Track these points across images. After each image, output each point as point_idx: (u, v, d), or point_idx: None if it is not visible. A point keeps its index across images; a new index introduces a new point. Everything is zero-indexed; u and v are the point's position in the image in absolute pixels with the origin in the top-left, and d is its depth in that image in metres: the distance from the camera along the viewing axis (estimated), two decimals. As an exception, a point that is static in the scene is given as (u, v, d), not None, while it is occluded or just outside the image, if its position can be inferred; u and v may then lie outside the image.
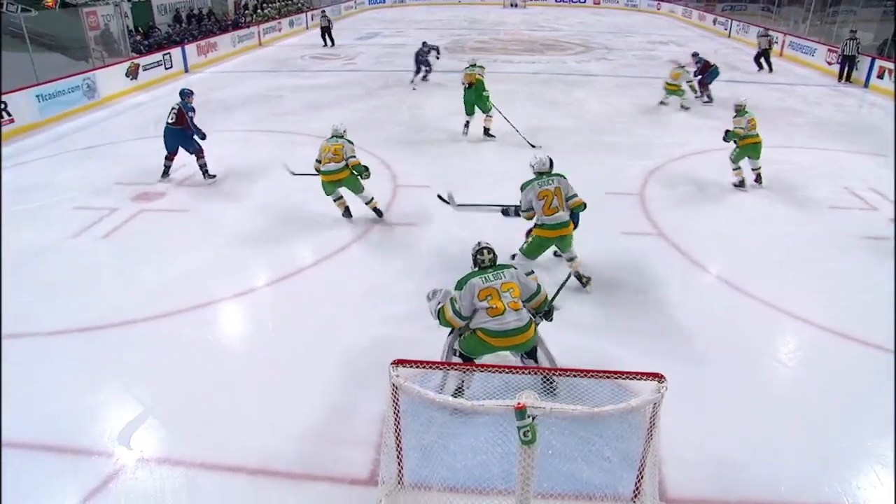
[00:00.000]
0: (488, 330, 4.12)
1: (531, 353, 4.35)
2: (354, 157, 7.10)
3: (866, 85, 15.70)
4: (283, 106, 13.57)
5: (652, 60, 19.37)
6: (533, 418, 2.75)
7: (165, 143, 8.77)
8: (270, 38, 23.05)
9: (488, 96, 10.70)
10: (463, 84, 10.81)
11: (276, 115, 12.83)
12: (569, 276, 5.02)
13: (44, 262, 6.61)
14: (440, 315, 4.28)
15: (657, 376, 3.14)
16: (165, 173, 8.90)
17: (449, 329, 4.37)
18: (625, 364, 4.39)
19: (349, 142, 7.16)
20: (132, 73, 14.96)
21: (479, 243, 4.48)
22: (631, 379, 3.25)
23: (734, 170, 8.66)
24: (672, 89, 12.97)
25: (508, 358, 4.54)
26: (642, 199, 8.32)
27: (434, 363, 3.35)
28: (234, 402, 4.59)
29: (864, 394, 4.75)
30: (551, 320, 4.54)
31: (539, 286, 4.44)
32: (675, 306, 5.82)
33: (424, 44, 15.46)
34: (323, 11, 22.72)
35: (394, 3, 37.71)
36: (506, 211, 6.21)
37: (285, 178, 9.03)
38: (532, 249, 5.77)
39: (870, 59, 15.74)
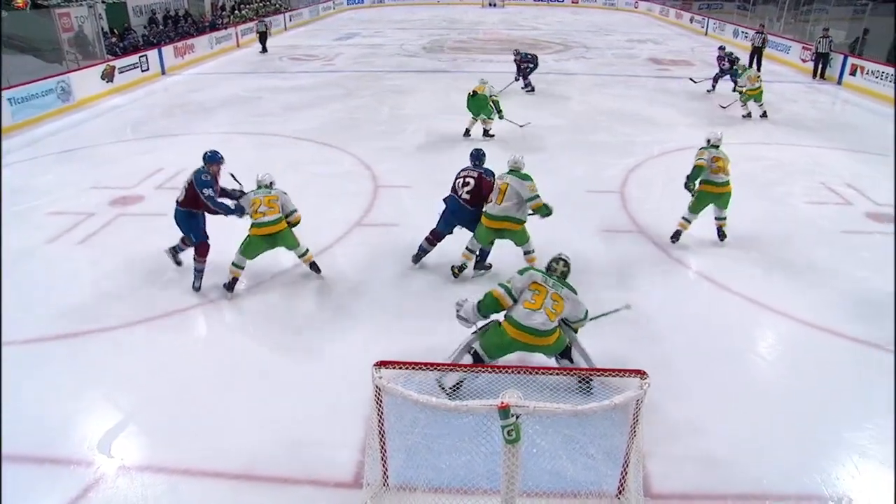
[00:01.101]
0: (513, 319, 4.32)
1: (564, 354, 4.52)
2: (296, 210, 6.14)
3: (839, 82, 15.95)
4: (261, 107, 13.47)
5: (630, 59, 19.52)
6: (517, 417, 2.75)
7: (176, 222, 6.21)
8: (248, 40, 22.88)
9: (492, 108, 10.80)
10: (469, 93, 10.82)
11: (255, 116, 12.74)
12: (616, 310, 4.87)
13: (20, 269, 6.49)
14: (486, 298, 4.43)
15: (640, 373, 3.16)
16: (174, 255, 6.48)
17: (471, 329, 4.51)
18: (607, 362, 4.41)
19: (283, 192, 6.10)
20: (108, 76, 14.76)
21: (559, 253, 4.70)
22: (613, 376, 3.27)
23: (682, 219, 6.91)
24: (751, 94, 12.31)
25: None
26: (623, 196, 8.38)
27: (417, 364, 3.34)
28: (217, 407, 4.54)
29: (843, 386, 4.82)
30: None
31: (586, 313, 4.57)
32: (657, 303, 5.87)
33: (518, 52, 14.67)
34: (262, 18, 22.00)
35: (372, 4, 37.62)
36: None
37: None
38: (480, 237, 6.04)
39: (842, 56, 16.00)
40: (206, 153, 6.19)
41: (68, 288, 6.15)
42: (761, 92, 12.17)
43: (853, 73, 15.54)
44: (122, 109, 13.63)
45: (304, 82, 16.02)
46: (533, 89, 14.46)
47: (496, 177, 6.09)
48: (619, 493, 3.69)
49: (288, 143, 10.70)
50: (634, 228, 7.44)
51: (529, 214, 5.99)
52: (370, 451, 3.50)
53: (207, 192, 5.86)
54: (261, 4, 27.19)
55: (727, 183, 6.65)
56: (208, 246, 6.11)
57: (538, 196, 5.88)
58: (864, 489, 3.93)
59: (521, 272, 4.51)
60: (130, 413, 4.50)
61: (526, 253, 6.11)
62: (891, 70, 14.26)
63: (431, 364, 3.53)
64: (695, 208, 6.74)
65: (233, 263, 5.88)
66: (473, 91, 10.65)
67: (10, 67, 12.47)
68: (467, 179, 6.12)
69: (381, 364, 3.19)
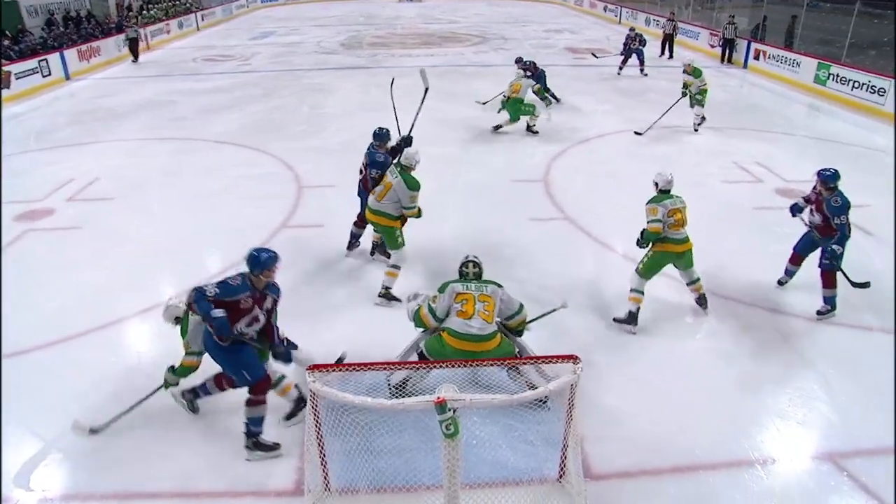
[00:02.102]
0: (451, 330, 4.24)
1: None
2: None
3: (745, 66, 16.78)
4: (176, 111, 12.97)
5: (548, 49, 19.88)
6: (454, 411, 2.76)
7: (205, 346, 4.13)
8: (158, 41, 21.97)
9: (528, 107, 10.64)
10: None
11: (170, 120, 12.25)
12: (553, 310, 4.76)
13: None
14: (416, 314, 4.40)
15: (572, 358, 3.22)
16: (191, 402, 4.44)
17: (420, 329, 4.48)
18: (541, 350, 4.48)
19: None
20: (4, 82, 13.84)
21: (466, 256, 4.60)
22: (547, 363, 3.32)
23: (633, 293, 5.40)
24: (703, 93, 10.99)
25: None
26: (546, 184, 8.52)
27: (350, 365, 3.29)
28: (147, 426, 4.33)
29: (763, 355, 5.08)
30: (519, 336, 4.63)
31: (521, 307, 4.47)
32: (585, 287, 6.01)
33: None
34: (132, 25, 19.59)
35: (286, 1, 36.77)
36: None
37: (183, 186, 8.68)
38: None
39: (746, 41, 16.83)
40: (252, 255, 3.97)
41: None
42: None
43: (756, 58, 16.38)
44: (23, 118, 12.82)
45: (221, 83, 15.52)
46: (558, 100, 12.93)
47: (388, 171, 5.80)
48: (561, 476, 3.77)
49: (207, 147, 10.35)
50: (560, 215, 7.60)
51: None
52: (309, 457, 3.44)
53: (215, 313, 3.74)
54: (170, 4, 26.13)
55: (687, 238, 5.34)
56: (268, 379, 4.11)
57: (415, 206, 5.67)
58: (786, 449, 4.17)
59: (441, 289, 4.37)
60: (52, 440, 4.24)
61: (391, 267, 5.81)
62: (788, 54, 15.15)
63: (364, 364, 3.50)
64: (647, 273, 5.35)
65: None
66: (507, 96, 10.47)
67: None
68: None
69: (315, 368, 3.13)
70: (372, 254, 6.56)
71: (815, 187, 5.51)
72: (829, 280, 5.48)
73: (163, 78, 16.58)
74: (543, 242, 6.91)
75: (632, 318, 5.31)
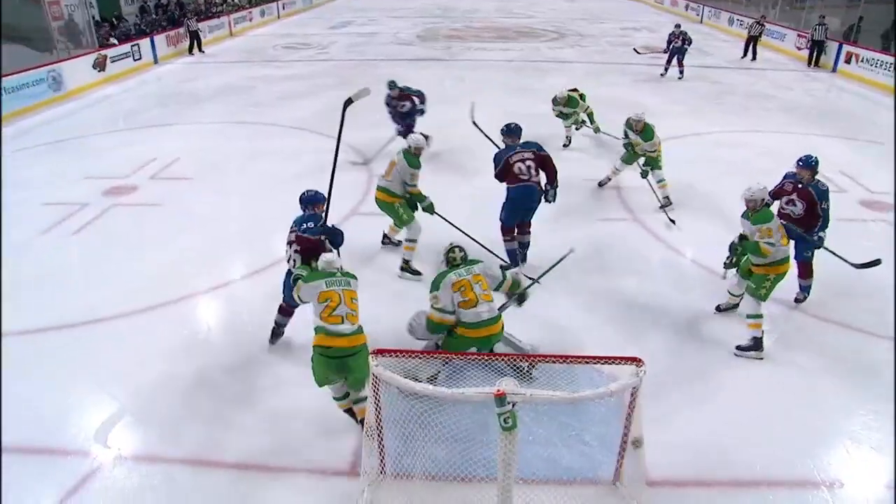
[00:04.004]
0: (467, 323, 4.30)
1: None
2: None
3: (834, 69, 15.95)
4: (255, 97, 13.40)
5: (624, 47, 19.45)
6: (513, 405, 2.77)
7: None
8: (241, 28, 22.71)
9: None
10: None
11: (249, 106, 12.67)
12: (562, 258, 5.17)
13: (13, 261, 6.46)
14: (429, 324, 4.40)
15: (635, 360, 3.17)
16: (274, 335, 5.16)
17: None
18: (603, 350, 4.43)
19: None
20: (100, 65, 14.65)
21: (450, 244, 4.63)
22: (609, 364, 3.28)
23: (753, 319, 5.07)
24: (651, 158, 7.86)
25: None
26: (618, 184, 8.37)
27: (414, 352, 3.36)
28: (213, 398, 4.55)
29: (836, 373, 4.86)
30: (521, 306, 4.80)
31: (503, 273, 4.65)
32: (654, 291, 5.90)
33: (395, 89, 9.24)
34: (192, 17, 19.01)
35: (366, -8, 37.28)
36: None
37: (259, 169, 8.98)
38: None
39: (837, 44, 15.99)
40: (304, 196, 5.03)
41: (63, 279, 6.14)
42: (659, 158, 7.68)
43: (847, 61, 15.53)
44: (114, 99, 13.53)
45: (298, 71, 15.92)
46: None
47: (396, 152, 6.14)
48: (615, 479, 3.72)
49: (283, 133, 10.66)
50: (629, 216, 7.46)
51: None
52: (367, 440, 3.52)
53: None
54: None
55: (787, 259, 5.01)
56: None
57: (415, 185, 5.96)
58: (855, 474, 3.98)
59: (434, 286, 4.39)
60: (127, 404, 4.51)
61: (407, 241, 6.13)
62: (885, 58, 14.27)
63: (429, 352, 3.55)
64: (767, 297, 5.06)
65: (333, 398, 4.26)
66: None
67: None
68: (526, 161, 5.96)
69: (378, 352, 3.20)
70: (383, 242, 6.75)
71: (787, 178, 5.50)
72: (808, 271, 5.62)
73: (243, 64, 17.15)
74: (611, 243, 6.80)
75: (758, 344, 5.00)
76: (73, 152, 9.95)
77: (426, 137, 6.96)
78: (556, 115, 9.67)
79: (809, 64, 16.54)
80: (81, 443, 4.16)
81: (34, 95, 12.43)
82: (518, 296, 4.78)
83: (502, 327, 4.50)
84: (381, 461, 3.67)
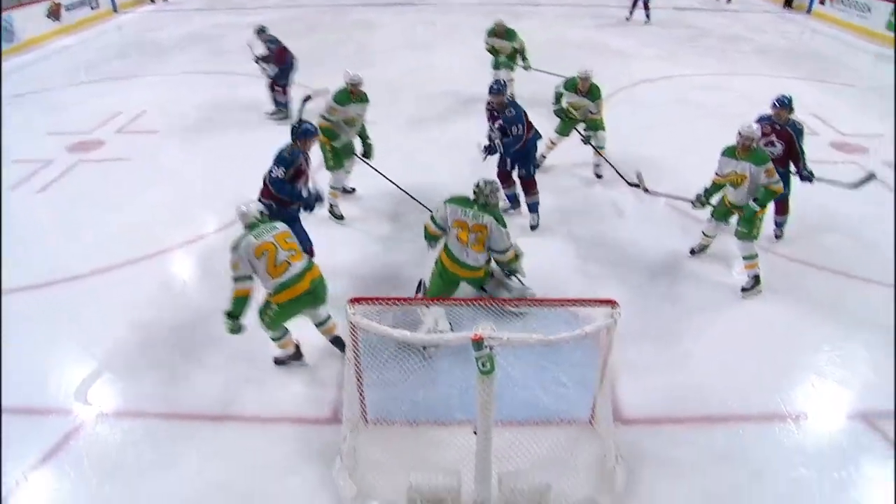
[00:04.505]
0: (450, 251, 4.56)
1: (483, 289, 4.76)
2: None
3: (809, 11, 15.85)
4: (222, 45, 12.96)
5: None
6: (490, 349, 2.80)
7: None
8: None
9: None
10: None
11: (216, 55, 12.27)
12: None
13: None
14: (425, 228, 4.69)
15: (610, 302, 3.22)
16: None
17: None
18: (582, 295, 4.50)
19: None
20: (53, 14, 13.96)
21: (489, 181, 4.57)
22: (584, 306, 3.33)
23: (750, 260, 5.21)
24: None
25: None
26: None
27: (391, 299, 3.36)
28: (192, 351, 4.55)
29: (808, 313, 4.99)
30: (508, 277, 4.85)
31: (511, 247, 4.58)
32: (630, 236, 5.96)
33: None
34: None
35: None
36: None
37: (227, 120, 8.77)
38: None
39: (812, -16, 15.87)
40: (296, 127, 4.95)
41: (32, 238, 6.00)
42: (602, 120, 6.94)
43: (822, 2, 15.45)
44: (72, 50, 12.99)
45: (266, 18, 15.36)
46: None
47: None
48: (592, 419, 3.83)
49: (251, 82, 10.34)
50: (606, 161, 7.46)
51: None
52: (348, 388, 3.56)
53: (277, 171, 4.72)
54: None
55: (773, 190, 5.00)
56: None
57: (328, 119, 5.90)
58: (820, 407, 4.15)
59: (446, 201, 4.57)
60: (105, 361, 4.49)
61: (330, 188, 6.14)
62: (858, -2, 14.23)
63: (404, 299, 3.55)
64: (759, 235, 5.22)
65: (273, 339, 4.27)
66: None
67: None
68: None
69: (355, 301, 3.20)
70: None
71: (763, 120, 5.47)
72: (785, 207, 5.78)
73: (207, 11, 16.51)
74: (587, 190, 6.80)
75: (758, 280, 5.16)
76: (33, 107, 9.58)
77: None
78: (487, 50, 8.92)
79: (784, 5, 16.43)
80: (62, 401, 4.15)
81: (-14, 47, 11.84)
82: (509, 271, 4.79)
83: (481, 277, 4.62)
84: (363, 408, 3.72)
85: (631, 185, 6.02)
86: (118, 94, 10.02)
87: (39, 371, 4.38)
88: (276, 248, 3.94)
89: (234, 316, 3.99)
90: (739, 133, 4.92)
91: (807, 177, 5.47)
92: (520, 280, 4.84)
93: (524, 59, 8.90)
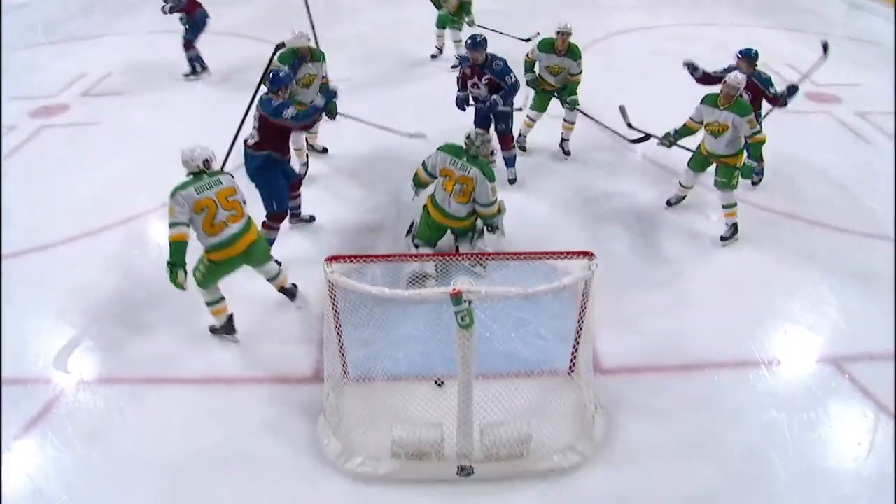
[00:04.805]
0: (434, 199, 4.71)
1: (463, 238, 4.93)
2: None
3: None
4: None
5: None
6: (469, 303, 2.82)
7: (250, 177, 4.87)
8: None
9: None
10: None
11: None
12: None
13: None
14: (415, 173, 4.88)
15: (587, 254, 3.25)
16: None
17: None
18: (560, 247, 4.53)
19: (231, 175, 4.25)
20: (10, -28, 13.37)
21: (476, 130, 4.74)
22: (562, 258, 3.36)
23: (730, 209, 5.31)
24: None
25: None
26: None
27: (367, 257, 3.36)
28: (170, 315, 4.51)
29: (782, 262, 5.10)
30: (492, 233, 4.88)
31: (495, 201, 4.66)
32: (605, 189, 5.98)
33: None
34: None
35: None
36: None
37: (195, 82, 8.54)
38: None
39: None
40: (274, 74, 4.69)
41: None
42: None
43: (797, -51, 15.29)
44: (30, 8, 12.46)
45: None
46: None
47: None
48: (571, 370, 3.90)
49: (218, 41, 10.06)
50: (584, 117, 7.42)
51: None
52: (328, 346, 3.58)
53: (288, 112, 4.50)
54: None
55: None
56: (286, 213, 4.99)
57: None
58: (791, 351, 4.28)
59: (438, 148, 4.72)
60: (83, 328, 4.46)
61: None
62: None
63: (381, 256, 3.55)
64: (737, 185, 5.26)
65: (207, 303, 4.22)
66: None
67: None
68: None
69: (333, 259, 3.20)
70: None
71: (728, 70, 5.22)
72: (761, 155, 5.51)
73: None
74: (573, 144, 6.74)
75: (736, 229, 5.24)
76: (-10, 69, 9.25)
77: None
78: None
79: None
80: (41, 370, 4.12)
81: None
82: (489, 225, 4.85)
83: (466, 227, 4.73)
84: (344, 365, 3.75)
85: (634, 142, 5.85)
86: (82, 54, 9.66)
87: (15, 341, 4.32)
88: (217, 205, 3.89)
89: (174, 265, 3.82)
90: (725, 82, 4.91)
91: (784, 98, 5.50)
92: (494, 231, 4.87)
93: (467, 13, 8.10)
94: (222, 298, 4.20)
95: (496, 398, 3.38)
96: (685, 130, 5.28)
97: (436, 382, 3.22)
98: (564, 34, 5.92)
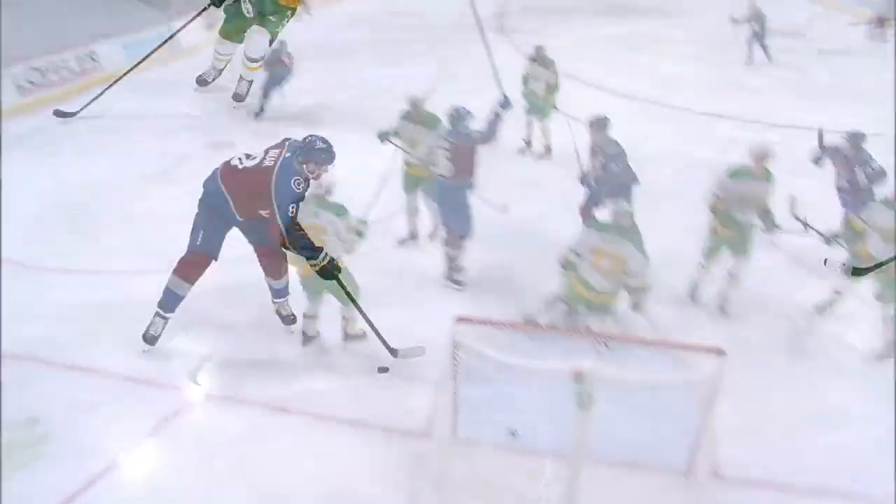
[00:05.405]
0: (579, 273, 4.39)
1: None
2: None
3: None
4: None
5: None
6: (591, 384, 2.77)
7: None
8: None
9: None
10: None
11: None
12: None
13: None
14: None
15: (717, 351, 3.11)
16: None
17: None
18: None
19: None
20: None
21: (623, 204, 4.44)
22: (690, 352, 3.24)
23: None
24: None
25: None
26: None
27: (496, 322, 3.40)
28: (298, 354, 4.72)
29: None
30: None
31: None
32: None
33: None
34: None
35: None
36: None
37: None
38: None
39: None
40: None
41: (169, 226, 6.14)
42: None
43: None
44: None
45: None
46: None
47: None
48: (688, 472, 3.65)
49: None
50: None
51: None
52: (442, 403, 3.60)
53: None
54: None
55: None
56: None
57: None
58: None
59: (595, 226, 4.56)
60: (217, 346, 4.74)
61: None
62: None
63: (510, 323, 3.56)
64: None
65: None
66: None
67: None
68: None
69: (462, 320, 3.27)
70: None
71: None
72: None
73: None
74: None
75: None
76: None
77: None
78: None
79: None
80: (175, 378, 4.45)
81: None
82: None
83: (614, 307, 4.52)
84: (454, 424, 3.75)
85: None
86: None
87: (161, 345, 4.64)
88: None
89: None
90: None
91: None
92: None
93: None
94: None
95: (603, 488, 3.23)
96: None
97: (511, 433, 3.09)
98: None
